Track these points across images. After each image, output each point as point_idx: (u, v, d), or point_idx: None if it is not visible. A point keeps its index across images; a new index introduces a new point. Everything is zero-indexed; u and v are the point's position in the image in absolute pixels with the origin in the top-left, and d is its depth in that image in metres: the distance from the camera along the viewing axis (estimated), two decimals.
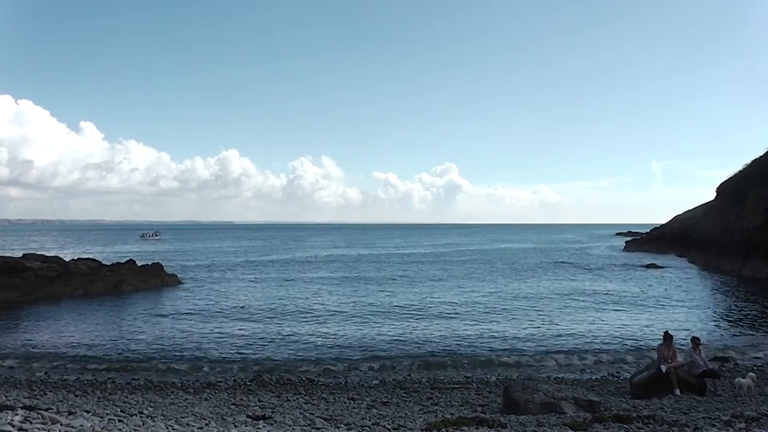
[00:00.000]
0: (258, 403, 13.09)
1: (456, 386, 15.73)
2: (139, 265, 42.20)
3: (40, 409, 8.14)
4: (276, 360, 19.49)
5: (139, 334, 23.76)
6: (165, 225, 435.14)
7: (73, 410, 9.07)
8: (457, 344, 21.49)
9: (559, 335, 22.92)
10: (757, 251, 42.10)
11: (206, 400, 13.65)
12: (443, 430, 8.71)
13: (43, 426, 6.62)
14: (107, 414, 8.95)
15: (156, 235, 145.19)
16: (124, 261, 42.98)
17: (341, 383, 16.52)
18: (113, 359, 19.64)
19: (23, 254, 38.86)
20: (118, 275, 38.15)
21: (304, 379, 17.02)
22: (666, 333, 14.54)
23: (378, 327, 25.05)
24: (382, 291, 38.37)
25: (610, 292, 36.76)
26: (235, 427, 8.26)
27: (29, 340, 22.56)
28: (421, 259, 73.44)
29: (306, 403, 13.34)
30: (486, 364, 18.89)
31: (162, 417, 9.31)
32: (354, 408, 12.85)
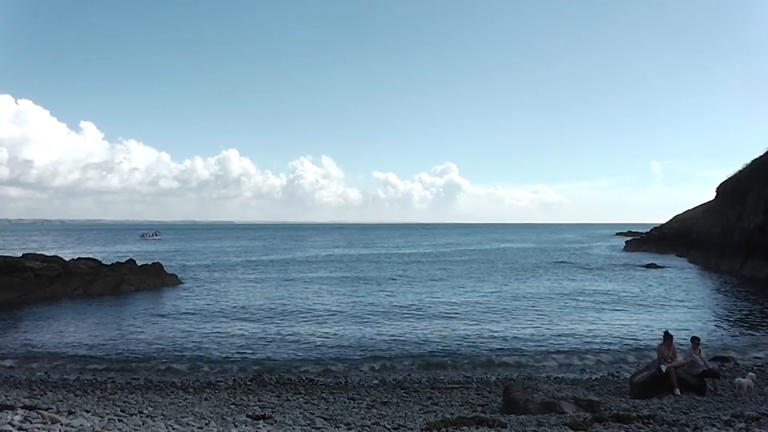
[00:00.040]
0: (258, 403, 13.09)
1: (456, 386, 15.74)
2: (139, 264, 42.20)
3: (40, 408, 8.15)
4: (276, 360, 19.49)
5: (139, 333, 23.76)
6: (165, 225, 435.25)
7: (73, 410, 9.07)
8: (457, 344, 21.49)
9: (559, 335, 22.92)
10: (757, 251, 42.10)
11: (206, 399, 13.65)
12: (443, 429, 8.71)
13: (43, 426, 6.62)
14: (107, 414, 8.95)
15: (156, 235, 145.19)
16: (124, 261, 42.97)
17: (341, 383, 16.52)
18: (113, 359, 19.64)
19: (23, 254, 38.86)
20: (118, 275, 38.15)
21: (304, 378, 17.03)
22: (666, 333, 14.54)
23: (378, 327, 25.05)
24: (382, 291, 38.37)
25: (610, 292, 36.76)
26: (235, 426, 8.26)
27: (29, 339, 22.57)
28: (421, 258, 73.46)
29: (306, 403, 13.35)
30: (486, 363, 18.89)
31: (162, 417, 9.31)
32: (354, 408, 12.85)
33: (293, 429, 8.80)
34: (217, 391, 15.18)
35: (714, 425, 8.81)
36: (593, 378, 16.76)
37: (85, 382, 16.42)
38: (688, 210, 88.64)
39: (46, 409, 8.17)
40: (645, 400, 12.73)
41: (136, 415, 9.36)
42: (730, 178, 55.54)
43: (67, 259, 40.06)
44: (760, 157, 50.35)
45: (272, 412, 11.30)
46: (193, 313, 28.97)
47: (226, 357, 19.87)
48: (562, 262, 65.52)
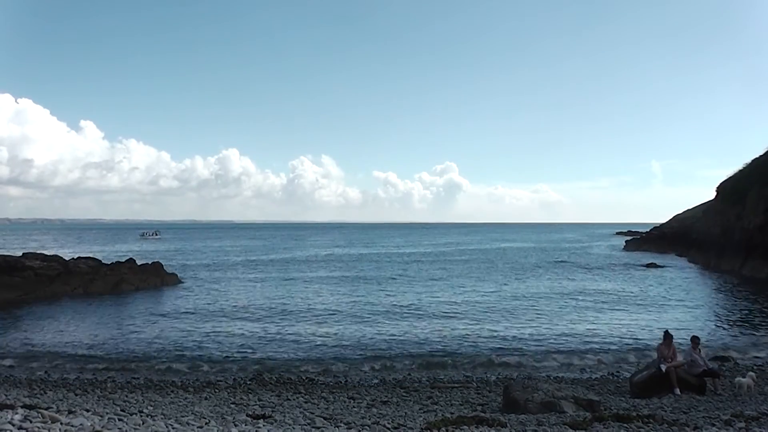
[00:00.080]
0: (258, 402, 13.10)
1: (456, 385, 15.74)
2: (139, 264, 42.21)
3: (40, 408, 8.14)
4: (276, 359, 19.49)
5: (139, 333, 23.76)
6: (165, 224, 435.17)
7: (73, 409, 9.07)
8: (457, 344, 21.49)
9: (559, 335, 22.92)
10: (757, 251, 42.10)
11: (206, 399, 13.65)
12: (443, 429, 8.70)
13: (43, 425, 6.62)
14: (107, 413, 8.95)
15: (156, 234, 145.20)
16: (124, 260, 42.96)
17: (341, 382, 16.52)
18: (113, 358, 19.64)
19: (23, 253, 38.84)
20: (118, 274, 38.16)
21: (304, 378, 17.03)
22: (666, 332, 14.55)
23: (378, 327, 25.05)
24: (382, 290, 38.37)
25: (610, 292, 36.76)
26: (235, 426, 8.26)
27: (29, 339, 22.57)
28: (421, 258, 73.46)
29: (306, 402, 13.35)
30: (486, 363, 18.89)
31: (162, 416, 9.31)
32: (354, 407, 12.85)
33: (293, 428, 8.80)
34: (217, 390, 15.19)
35: (714, 425, 8.81)
36: (593, 377, 16.76)
37: (85, 381, 16.43)
38: (688, 210, 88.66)
39: (46, 409, 8.17)
40: (645, 400, 12.73)
41: (136, 414, 9.36)
42: (730, 177, 55.54)
43: (67, 258, 40.05)
44: (760, 156, 50.33)
45: (272, 411, 11.30)
46: (193, 313, 28.98)
47: (226, 356, 19.88)
48: (562, 261, 65.53)
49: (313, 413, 11.19)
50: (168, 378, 16.99)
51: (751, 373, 14.20)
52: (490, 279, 45.88)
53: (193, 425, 8.14)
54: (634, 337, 22.50)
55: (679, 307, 30.22)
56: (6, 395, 12.21)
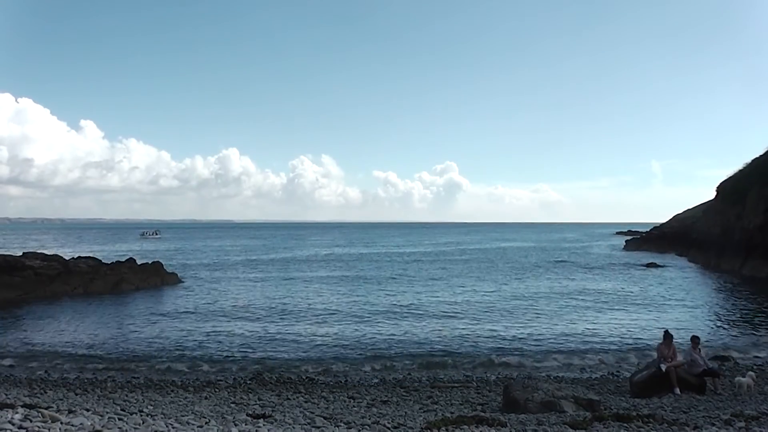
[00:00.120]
0: (258, 402, 13.10)
1: (456, 385, 15.74)
2: (139, 263, 42.21)
3: (40, 407, 8.15)
4: (276, 359, 19.49)
5: (139, 332, 23.77)
6: (165, 223, 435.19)
7: (73, 408, 9.07)
8: (457, 344, 21.49)
9: (559, 334, 22.92)
10: (757, 250, 42.10)
11: (206, 398, 13.65)
12: (443, 428, 8.70)
13: (43, 424, 6.62)
14: (107, 412, 8.95)
15: (156, 234, 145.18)
16: (124, 260, 42.97)
17: (341, 382, 16.52)
18: (113, 358, 19.65)
19: (23, 253, 38.86)
20: (118, 274, 38.16)
21: (304, 377, 17.03)
22: (666, 332, 14.55)
23: (378, 326, 25.06)
24: (382, 290, 38.38)
25: (610, 292, 36.77)
26: (235, 425, 8.26)
27: (29, 338, 22.58)
28: (421, 258, 73.46)
29: (306, 402, 13.35)
30: (486, 363, 18.89)
31: (162, 415, 9.31)
32: (354, 407, 12.86)
33: (293, 428, 8.80)
34: (217, 389, 15.19)
35: (714, 424, 8.82)
36: (593, 377, 16.77)
37: (85, 380, 16.43)
38: (688, 209, 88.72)
39: (46, 408, 8.18)
40: (645, 399, 12.74)
41: (136, 413, 9.36)
42: (730, 177, 55.55)
43: (67, 257, 40.06)
44: (760, 156, 50.34)
45: (272, 410, 11.30)
46: (193, 312, 28.99)
47: (227, 356, 19.88)
48: (562, 261, 65.54)
49: (313, 413, 11.19)
50: (168, 377, 16.98)
51: (751, 372, 14.20)
52: (490, 279, 45.89)
53: (193, 425, 8.14)
54: (634, 336, 22.50)
55: (679, 307, 30.22)
56: (6, 394, 12.21)
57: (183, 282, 42.31)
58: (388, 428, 9.24)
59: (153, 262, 43.50)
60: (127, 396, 13.66)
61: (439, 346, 21.07)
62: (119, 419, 7.98)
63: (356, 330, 24.22)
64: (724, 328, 24.29)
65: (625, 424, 8.92)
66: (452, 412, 11.34)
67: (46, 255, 38.89)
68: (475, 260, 68.30)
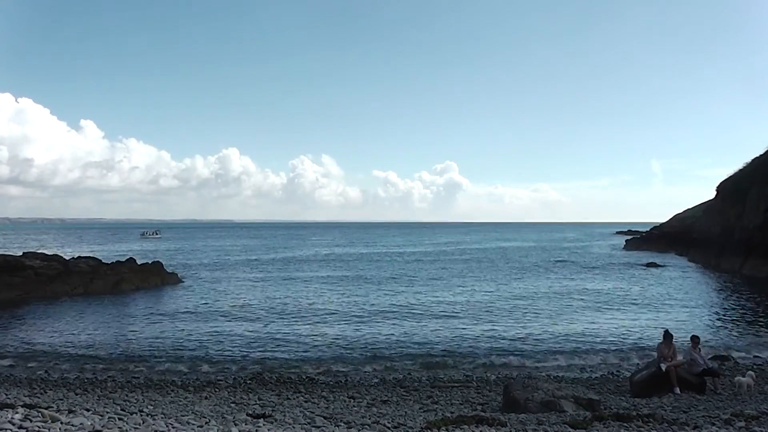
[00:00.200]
0: (258, 402, 13.10)
1: (456, 385, 15.73)
2: (139, 263, 42.22)
3: (40, 407, 8.15)
4: (276, 359, 19.49)
5: (139, 332, 23.76)
6: (165, 223, 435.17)
7: (73, 408, 9.07)
8: (457, 344, 21.49)
9: (559, 334, 22.92)
10: (758, 250, 42.10)
11: (206, 398, 13.65)
12: (443, 428, 8.70)
13: (43, 424, 6.62)
14: (107, 412, 8.95)
15: (156, 234, 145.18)
16: (124, 259, 43.00)
17: (341, 382, 16.51)
18: (113, 358, 19.65)
19: (23, 253, 38.87)
20: (118, 274, 38.15)
21: (304, 377, 17.02)
22: (666, 332, 14.55)
23: (378, 326, 25.05)
24: (382, 290, 38.37)
25: (610, 291, 36.76)
26: (236, 425, 8.26)
27: (29, 338, 22.57)
28: (421, 257, 73.44)
29: (306, 402, 13.34)
30: (486, 363, 18.89)
31: (162, 415, 9.31)
32: (354, 406, 12.85)
33: (293, 428, 8.80)
34: (217, 389, 15.18)
35: (714, 424, 8.81)
36: (593, 377, 16.76)
37: (85, 380, 16.42)
38: (688, 209, 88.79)
39: (46, 408, 8.17)
40: (645, 399, 12.73)
41: (136, 413, 9.36)
42: (730, 177, 55.56)
43: (67, 257, 40.08)
44: (761, 155, 50.34)
45: (272, 410, 11.30)
46: (193, 312, 28.98)
47: (226, 356, 19.88)
48: (562, 261, 65.52)
49: (313, 412, 11.19)
50: (168, 377, 16.98)
51: (750, 372, 14.19)
52: (490, 279, 45.88)
53: (193, 424, 8.14)
54: (634, 336, 22.50)
55: (679, 307, 30.21)
56: (6, 394, 12.21)
57: (183, 282, 42.30)
58: (388, 428, 9.24)
59: (153, 262, 43.50)
60: (127, 396, 13.65)
61: (439, 346, 21.07)
62: (119, 419, 7.98)
63: (356, 330, 24.22)
64: (724, 328, 24.28)
65: (625, 424, 8.92)
66: (452, 412, 11.34)
67: (46, 255, 38.91)
68: (475, 260, 68.28)
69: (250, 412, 10.79)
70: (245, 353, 20.24)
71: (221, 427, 8.05)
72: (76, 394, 13.75)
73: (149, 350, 20.69)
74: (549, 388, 11.79)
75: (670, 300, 32.54)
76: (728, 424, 8.72)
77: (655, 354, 14.95)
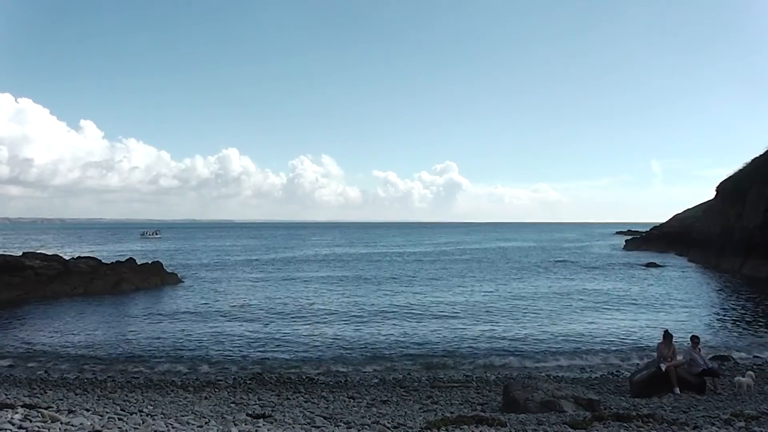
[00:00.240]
0: (258, 402, 13.09)
1: (456, 385, 15.73)
2: (139, 263, 42.22)
3: (39, 407, 8.15)
4: (276, 359, 19.48)
5: (139, 332, 23.76)
6: (165, 223, 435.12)
7: (73, 408, 9.07)
8: (457, 344, 21.48)
9: (559, 334, 22.92)
10: (758, 250, 42.10)
11: (206, 398, 13.65)
12: (443, 428, 8.70)
13: (43, 424, 6.62)
14: (107, 412, 8.95)
15: (156, 234, 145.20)
16: (124, 259, 43.00)
17: (341, 382, 16.51)
18: (113, 358, 19.64)
19: (23, 253, 38.87)
20: (118, 274, 38.15)
21: (303, 377, 17.02)
22: (666, 332, 14.54)
23: (378, 327, 25.05)
24: (382, 290, 38.37)
25: (610, 291, 36.76)
26: (235, 425, 8.26)
27: (29, 338, 22.56)
28: (421, 258, 73.44)
29: (306, 402, 13.34)
30: (486, 363, 18.89)
31: (162, 415, 9.31)
32: (354, 406, 12.85)
33: (293, 428, 8.80)
34: (217, 389, 15.17)
35: (714, 424, 8.81)
36: (593, 377, 16.76)
37: (85, 380, 16.42)
38: (688, 209, 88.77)
39: (46, 408, 8.17)
40: (645, 399, 12.73)
41: (136, 413, 9.35)
42: (730, 177, 55.58)
43: (67, 258, 40.09)
44: (760, 155, 50.35)
45: (272, 410, 11.30)
46: (193, 312, 28.97)
47: (226, 356, 19.87)
48: (562, 261, 65.52)
49: (313, 413, 11.19)
50: (168, 377, 16.97)
51: (750, 372, 14.19)
52: (490, 279, 45.88)
53: (193, 424, 8.14)
54: (634, 336, 22.50)
55: (679, 307, 30.21)
56: (6, 394, 12.21)
57: (183, 282, 42.29)
58: (388, 428, 9.24)
59: (153, 262, 43.50)
60: (127, 396, 13.65)
61: (439, 347, 21.06)
62: (119, 419, 7.98)
63: (356, 330, 24.22)
64: (724, 328, 24.29)
65: (625, 424, 8.92)
66: (452, 412, 11.34)
67: (46, 255, 38.90)
68: (475, 260, 68.27)
69: (250, 412, 10.79)
70: (245, 353, 20.23)
71: (221, 427, 8.05)
72: (76, 394, 13.74)
73: (149, 350, 20.68)
74: (549, 388, 11.79)
75: (670, 300, 32.55)
76: (728, 424, 8.72)
77: (654, 354, 14.95)
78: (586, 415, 9.98)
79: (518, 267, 57.69)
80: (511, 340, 22.06)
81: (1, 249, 62.31)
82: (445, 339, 22.27)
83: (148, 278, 39.39)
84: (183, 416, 9.37)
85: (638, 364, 17.64)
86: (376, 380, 16.71)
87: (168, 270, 43.29)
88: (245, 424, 8.48)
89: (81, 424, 6.98)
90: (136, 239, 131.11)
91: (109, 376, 17.07)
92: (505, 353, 19.95)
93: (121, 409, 10.07)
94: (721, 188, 56.18)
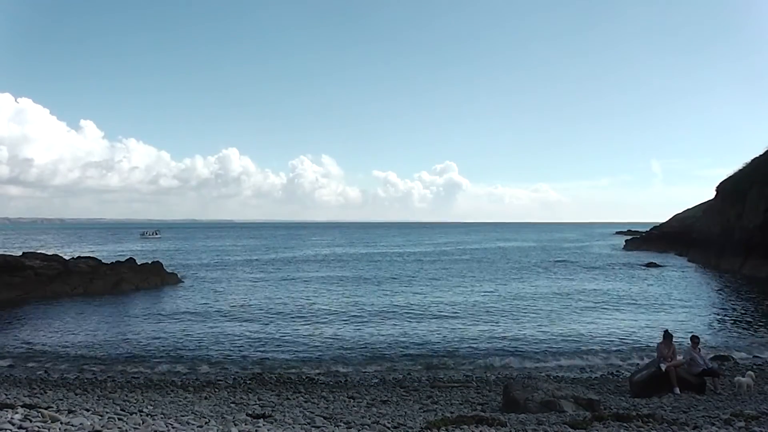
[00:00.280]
0: (258, 402, 13.09)
1: (456, 385, 15.73)
2: (139, 263, 42.22)
3: (39, 407, 8.15)
4: (276, 359, 19.48)
5: (139, 332, 23.76)
6: (165, 223, 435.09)
7: (73, 408, 9.07)
8: (457, 344, 21.48)
9: (559, 334, 22.92)
10: (758, 250, 42.10)
11: (206, 398, 13.65)
12: (443, 428, 8.70)
13: (43, 424, 6.62)
14: (107, 412, 8.95)
15: (156, 234, 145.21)
16: (124, 259, 43.00)
17: (341, 382, 16.51)
18: (113, 358, 19.64)
19: (23, 253, 38.87)
20: (118, 274, 38.15)
21: (303, 377, 17.01)
22: (666, 332, 14.54)
23: (378, 327, 25.05)
24: (382, 290, 38.37)
25: (609, 291, 36.76)
26: (235, 425, 8.26)
27: (29, 338, 22.56)
28: (421, 258, 73.43)
29: (306, 402, 13.34)
30: (486, 363, 18.88)
31: (162, 415, 9.31)
32: (354, 406, 12.85)
33: (293, 428, 8.80)
34: (217, 389, 15.17)
35: (714, 424, 8.81)
36: (593, 377, 16.76)
37: (85, 380, 16.42)
38: (688, 209, 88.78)
39: (46, 408, 8.17)
40: (645, 399, 12.73)
41: (136, 413, 9.35)
42: (730, 177, 55.57)
43: (67, 258, 40.08)
44: (760, 155, 50.35)
45: (272, 410, 11.30)
46: (193, 312, 28.97)
47: (226, 356, 19.87)
48: (562, 261, 65.51)
49: (313, 413, 11.19)
50: (168, 377, 16.97)
51: (750, 372, 14.19)
52: (490, 279, 45.87)
53: (193, 424, 8.14)
54: (634, 336, 22.49)
55: (679, 307, 30.21)
56: (6, 395, 12.21)
57: (183, 282, 42.29)
58: (388, 428, 9.24)
59: (153, 262, 43.50)
60: (126, 396, 13.65)
61: (439, 346, 21.06)
62: (119, 419, 7.98)
63: (356, 330, 24.22)
64: (724, 328, 24.29)
65: (625, 424, 8.92)
66: (452, 412, 11.34)
67: (46, 255, 38.90)
68: (475, 260, 68.27)
69: (250, 412, 10.79)
70: (245, 353, 20.23)
71: (221, 427, 8.05)
72: (76, 394, 13.74)
73: (149, 350, 20.68)
74: (549, 388, 11.79)
75: (670, 300, 32.54)
76: (728, 424, 8.72)
77: (654, 354, 14.95)
78: (586, 415, 9.98)
79: (518, 267, 57.69)
80: (511, 340, 22.05)
81: (1, 249, 62.31)
82: (445, 339, 22.27)
83: (148, 278, 39.39)
84: (183, 416, 9.37)
85: (638, 364, 17.65)
86: (376, 380, 16.71)
87: (168, 270, 43.29)
88: (245, 424, 8.48)
89: (81, 424, 6.98)
90: (136, 239, 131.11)
91: (109, 376, 17.06)
92: (505, 353, 19.95)
93: (121, 409, 10.07)
94: (721, 188, 56.17)
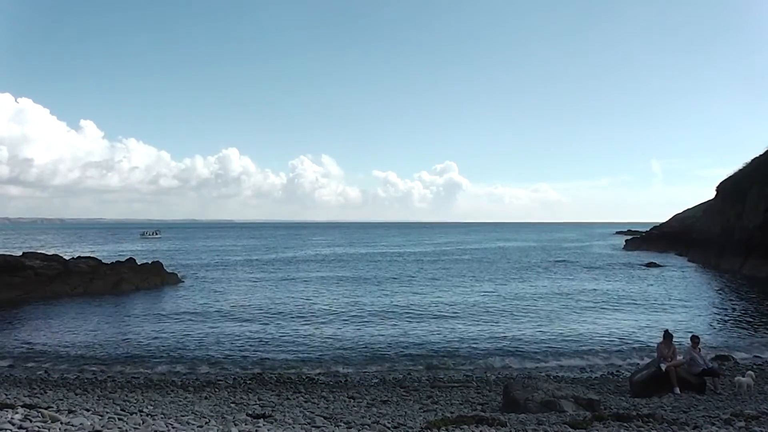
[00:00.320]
0: (258, 402, 13.09)
1: (456, 385, 15.73)
2: (139, 263, 42.23)
3: (40, 407, 8.14)
4: (276, 359, 19.48)
5: (139, 332, 23.76)
6: (165, 223, 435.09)
7: (73, 408, 9.07)
8: (457, 344, 21.48)
9: (559, 334, 22.92)
10: (758, 250, 42.11)
11: (206, 398, 13.65)
12: (443, 428, 8.70)
13: (43, 424, 6.62)
14: (107, 412, 8.95)
15: (156, 234, 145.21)
16: (124, 259, 43.00)
17: (341, 382, 16.51)
18: (113, 358, 19.65)
19: (23, 253, 38.87)
20: (118, 274, 38.15)
21: (304, 377, 17.01)
22: (666, 331, 14.54)
23: (378, 327, 25.05)
24: (382, 291, 38.37)
25: (610, 291, 36.76)
26: (235, 425, 8.26)
27: (29, 338, 22.56)
28: (421, 258, 73.43)
29: (306, 402, 13.34)
30: (486, 363, 18.88)
31: (162, 415, 9.31)
32: (354, 406, 12.85)
33: (293, 428, 8.80)
34: (217, 389, 15.18)
35: (714, 424, 8.81)
36: (593, 377, 16.76)
37: (85, 380, 16.42)
38: (688, 209, 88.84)
39: (46, 408, 8.17)
40: (645, 399, 12.73)
41: (136, 413, 9.35)
42: (730, 176, 55.58)
43: (67, 257, 40.08)
44: (760, 155, 50.37)
45: (272, 410, 11.30)
46: (193, 312, 28.97)
47: (226, 356, 19.87)
48: (562, 261, 65.51)
49: (313, 412, 11.19)
50: (168, 377, 16.97)
51: (750, 372, 14.19)
52: (490, 279, 45.87)
53: (193, 424, 8.14)
54: (634, 336, 22.50)
55: (679, 307, 30.22)
56: (6, 395, 12.21)
57: (183, 282, 42.29)
58: (388, 428, 9.24)
59: (153, 262, 43.50)
60: (127, 396, 13.65)
61: (439, 346, 21.06)
62: (119, 419, 7.98)
63: (356, 330, 24.22)
64: (724, 328, 24.29)
65: (625, 424, 8.92)
66: (452, 412, 11.34)
67: (46, 255, 38.90)
68: (475, 260, 68.27)
69: (250, 412, 10.79)
70: (245, 353, 20.23)
71: (221, 427, 8.05)
72: (76, 395, 13.74)
73: (149, 350, 20.68)
74: (549, 388, 11.79)
75: (670, 300, 32.55)
76: (728, 424, 8.72)
77: (655, 354, 14.95)
78: (586, 415, 9.98)
79: (518, 267, 57.69)
80: (511, 340, 22.05)
81: (1, 249, 62.30)
82: (445, 339, 22.27)
83: (148, 278, 39.40)
84: (183, 416, 9.36)
85: (638, 364, 17.65)
86: (376, 380, 16.71)
87: (168, 270, 43.29)
88: (245, 424, 8.47)
89: (81, 424, 6.98)
90: (136, 239, 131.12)
91: (109, 376, 17.06)
92: (505, 353, 19.95)
93: (121, 409, 10.07)
94: (721, 188, 56.18)
